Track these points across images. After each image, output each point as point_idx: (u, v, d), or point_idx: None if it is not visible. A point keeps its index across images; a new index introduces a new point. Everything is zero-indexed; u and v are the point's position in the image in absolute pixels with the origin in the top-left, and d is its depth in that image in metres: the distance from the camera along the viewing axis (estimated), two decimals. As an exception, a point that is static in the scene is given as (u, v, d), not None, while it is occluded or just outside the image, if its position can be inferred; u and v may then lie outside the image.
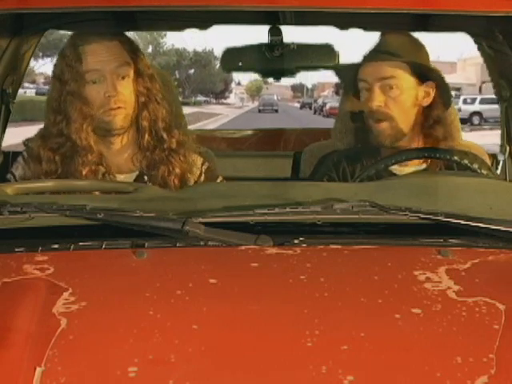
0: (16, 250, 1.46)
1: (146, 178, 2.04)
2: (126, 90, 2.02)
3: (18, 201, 1.55)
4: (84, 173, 1.96)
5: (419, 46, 2.22)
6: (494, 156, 2.56)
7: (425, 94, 2.17)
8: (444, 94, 2.20)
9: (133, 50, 2.07)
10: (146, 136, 2.05)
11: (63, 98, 2.01)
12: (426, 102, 2.18)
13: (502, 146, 2.54)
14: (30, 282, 1.32)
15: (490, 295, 1.26)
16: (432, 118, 2.19)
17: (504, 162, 2.51)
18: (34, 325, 1.15)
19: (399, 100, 2.14)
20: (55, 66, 2.07)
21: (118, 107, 2.00)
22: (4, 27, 2.12)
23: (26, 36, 2.28)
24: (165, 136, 2.06)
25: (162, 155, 2.04)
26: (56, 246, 1.45)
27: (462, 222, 1.49)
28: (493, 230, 1.50)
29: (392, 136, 2.14)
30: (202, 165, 2.13)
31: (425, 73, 2.16)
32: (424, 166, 2.18)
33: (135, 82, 2.04)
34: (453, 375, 1.04)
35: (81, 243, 1.45)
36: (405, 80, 2.15)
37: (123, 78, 2.01)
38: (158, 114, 2.06)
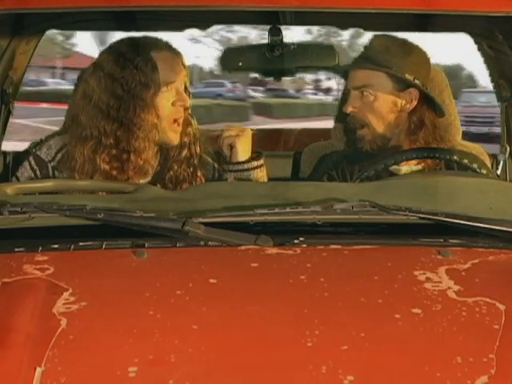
0: (16, 250, 1.45)
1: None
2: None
3: (18, 201, 1.54)
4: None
5: (408, 51, 2.16)
6: (494, 156, 2.56)
7: (407, 100, 2.15)
8: (430, 99, 2.16)
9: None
10: (185, 151, 1.98)
11: (125, 105, 1.87)
12: (409, 108, 2.16)
13: (502, 146, 2.54)
14: (30, 281, 1.32)
15: (489, 295, 1.26)
16: (413, 122, 2.17)
17: (504, 162, 2.51)
18: (34, 325, 1.15)
19: (373, 106, 2.14)
20: (114, 68, 1.89)
21: (178, 123, 1.93)
22: (4, 27, 2.12)
23: (26, 36, 2.28)
24: (197, 151, 2.00)
25: (187, 171, 1.98)
26: (56, 246, 1.45)
27: (462, 222, 1.49)
28: (493, 230, 1.50)
29: (371, 141, 2.16)
30: (213, 165, 2.11)
31: (403, 80, 2.13)
32: (421, 165, 2.18)
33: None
34: (453, 375, 1.04)
35: (81, 243, 1.45)
36: (380, 87, 2.14)
37: (184, 89, 1.95)
38: (194, 130, 2.01)
